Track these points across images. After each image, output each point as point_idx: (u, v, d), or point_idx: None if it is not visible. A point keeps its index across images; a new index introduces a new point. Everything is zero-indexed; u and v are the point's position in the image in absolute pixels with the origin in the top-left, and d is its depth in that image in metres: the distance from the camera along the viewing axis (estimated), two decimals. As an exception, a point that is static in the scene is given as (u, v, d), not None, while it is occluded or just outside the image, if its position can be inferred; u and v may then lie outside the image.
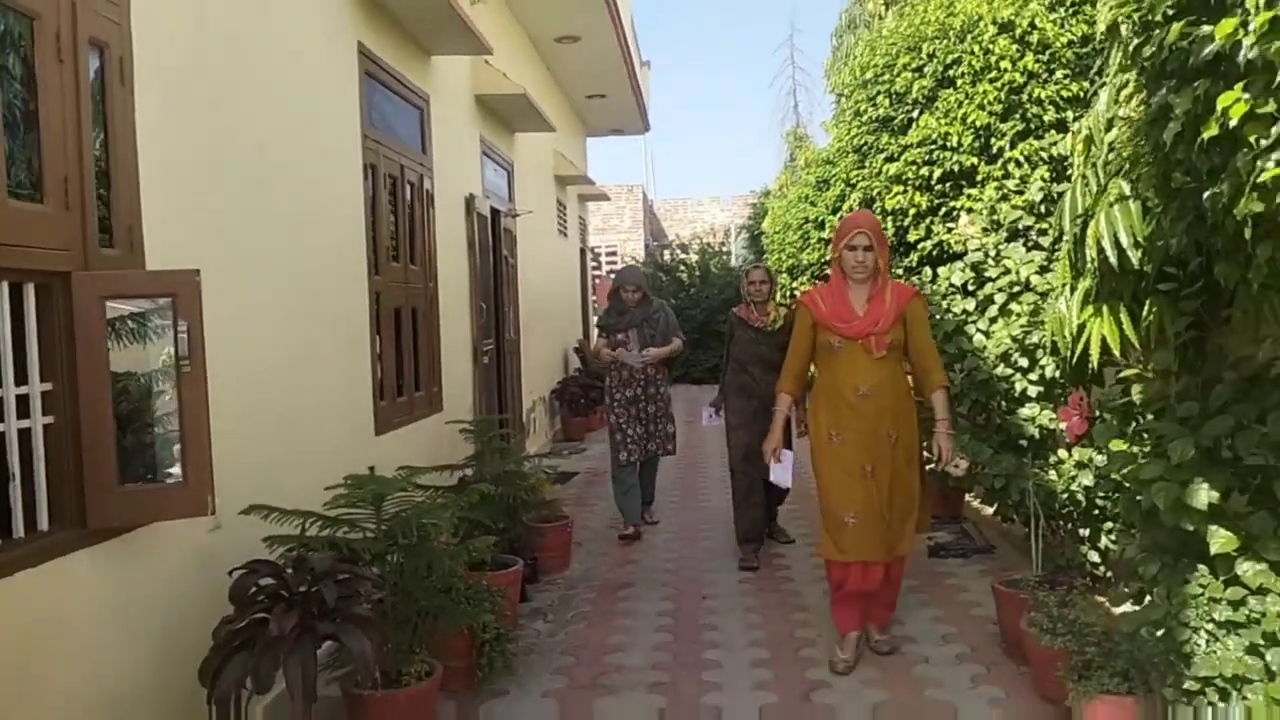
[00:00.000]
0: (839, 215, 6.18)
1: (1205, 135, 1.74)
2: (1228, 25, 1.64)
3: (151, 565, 2.33)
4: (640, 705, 3.19)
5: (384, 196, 4.36)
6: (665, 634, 3.84)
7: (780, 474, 3.76)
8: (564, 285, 10.84)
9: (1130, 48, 2.10)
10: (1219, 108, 1.66)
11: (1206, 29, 1.71)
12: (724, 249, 19.43)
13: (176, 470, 2.20)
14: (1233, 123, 1.66)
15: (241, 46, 2.97)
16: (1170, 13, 1.85)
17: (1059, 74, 4.22)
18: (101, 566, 2.15)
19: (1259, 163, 1.62)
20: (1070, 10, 4.28)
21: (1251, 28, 1.57)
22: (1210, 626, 2.21)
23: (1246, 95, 1.63)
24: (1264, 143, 1.61)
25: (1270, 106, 1.58)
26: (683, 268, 16.53)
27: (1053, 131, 4.12)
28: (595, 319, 5.26)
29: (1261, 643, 2.11)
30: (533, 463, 4.67)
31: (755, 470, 4.65)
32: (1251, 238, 1.80)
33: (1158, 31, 1.89)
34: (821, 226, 6.28)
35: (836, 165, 6.02)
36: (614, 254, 19.46)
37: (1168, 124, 1.87)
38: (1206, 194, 1.84)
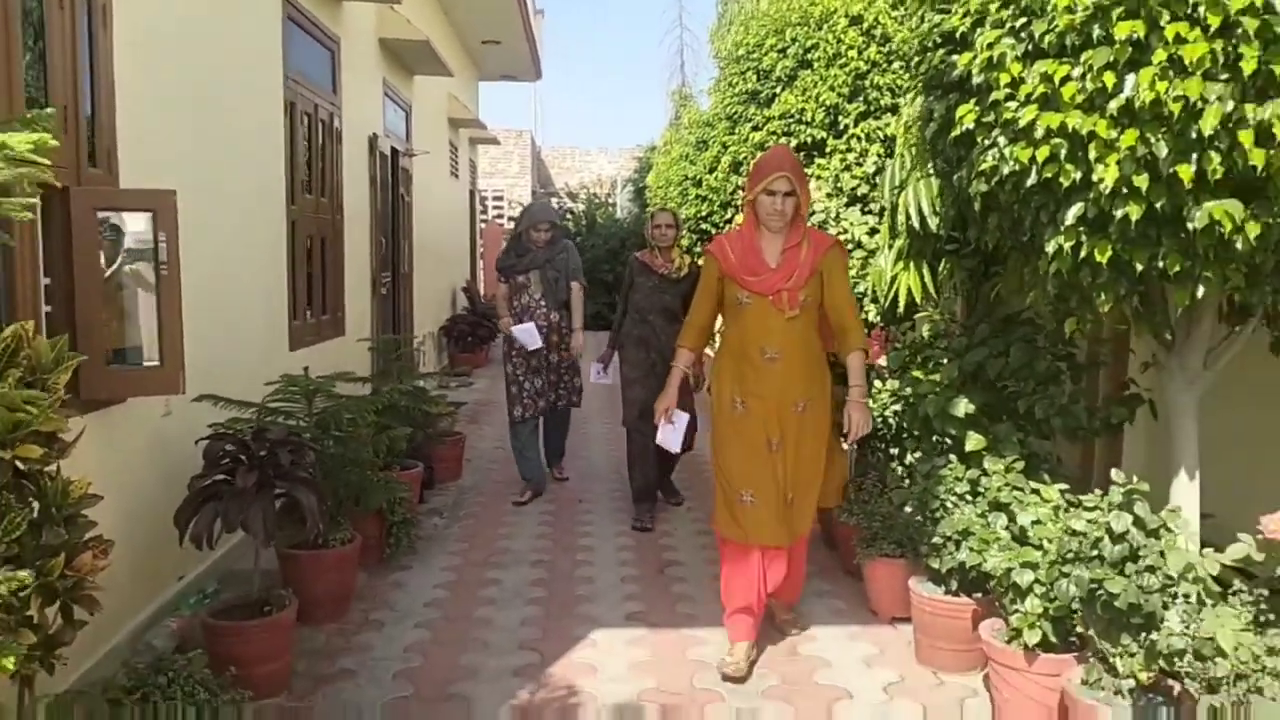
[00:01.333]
0: (714, 175, 6.82)
1: (952, 135, 2.45)
2: (965, 57, 2.33)
3: (120, 438, 2.81)
4: (525, 575, 3.84)
5: (300, 132, 4.77)
6: (547, 527, 4.49)
7: (669, 436, 3.36)
8: (455, 226, 11.24)
9: (912, 64, 2.81)
10: (959, 115, 2.36)
11: (953, 58, 2.41)
12: (610, 200, 19.97)
13: (152, 356, 2.68)
14: (969, 126, 2.36)
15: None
16: (935, 42, 2.55)
17: (896, 65, 4.95)
18: (88, 432, 2.62)
19: (984, 155, 2.33)
20: (909, 10, 5.00)
21: (977, 61, 2.26)
22: (953, 499, 2.99)
23: (976, 107, 2.33)
24: (986, 141, 2.31)
25: (990, 117, 2.29)
26: (569, 216, 17.00)
27: (888, 114, 4.86)
28: (494, 260, 5.15)
29: (987, 508, 2.90)
30: (428, 382, 5.22)
31: (650, 429, 4.22)
32: (981, 210, 2.54)
33: (927, 55, 2.60)
34: (699, 184, 6.93)
35: (714, 128, 6.66)
36: (500, 198, 19.73)
37: (930, 124, 2.59)
38: (955, 176, 2.57)
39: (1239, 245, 1.98)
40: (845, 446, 3.22)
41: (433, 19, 8.64)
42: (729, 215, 6.52)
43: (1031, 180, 2.18)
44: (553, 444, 5.44)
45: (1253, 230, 1.96)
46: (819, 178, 4.87)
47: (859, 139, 4.68)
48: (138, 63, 2.93)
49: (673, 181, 8.12)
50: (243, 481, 2.59)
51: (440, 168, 9.73)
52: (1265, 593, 2.22)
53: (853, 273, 4.64)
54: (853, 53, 4.64)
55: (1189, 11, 1.92)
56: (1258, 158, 1.87)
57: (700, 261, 3.82)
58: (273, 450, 2.72)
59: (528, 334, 4.86)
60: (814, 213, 5.02)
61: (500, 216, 18.38)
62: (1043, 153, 2.10)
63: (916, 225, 3.60)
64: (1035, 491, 2.93)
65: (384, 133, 6.71)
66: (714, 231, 7.53)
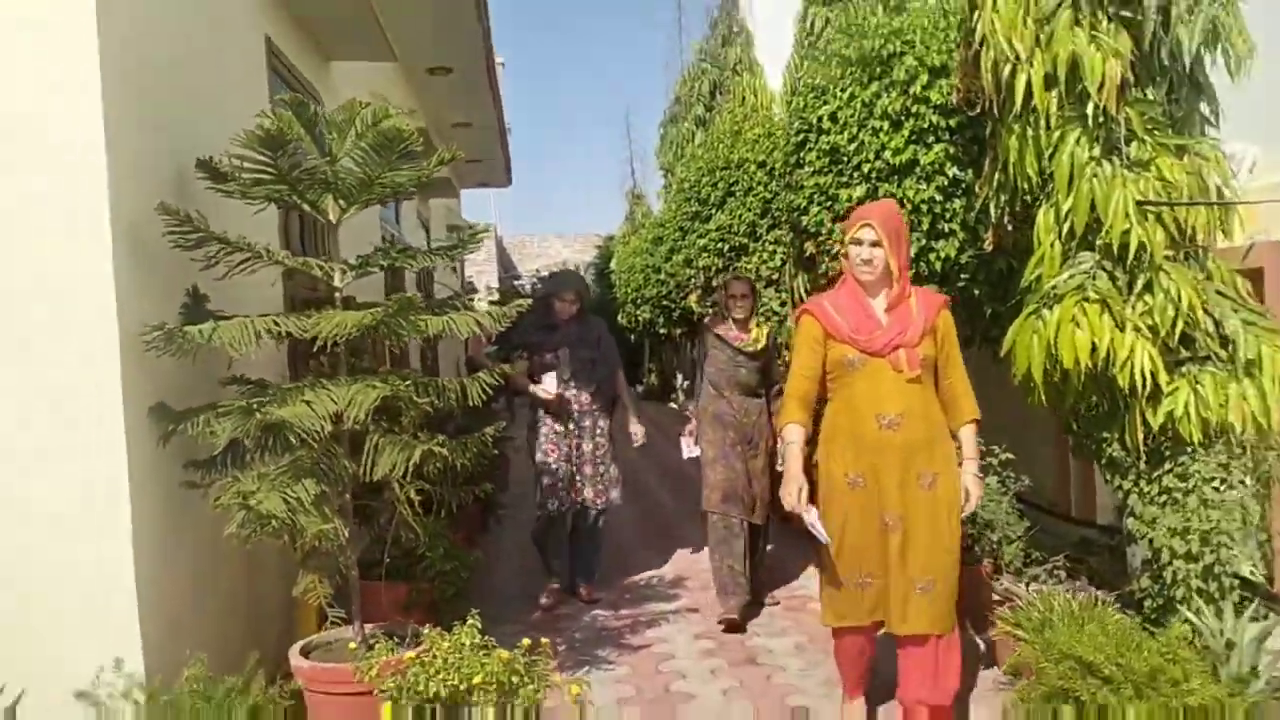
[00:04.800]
0: (670, 263, 9.02)
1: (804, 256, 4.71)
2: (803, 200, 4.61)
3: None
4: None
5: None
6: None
7: (820, 524, 2.96)
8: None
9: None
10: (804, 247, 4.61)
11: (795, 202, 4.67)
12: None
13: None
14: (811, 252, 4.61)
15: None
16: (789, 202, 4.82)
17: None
18: None
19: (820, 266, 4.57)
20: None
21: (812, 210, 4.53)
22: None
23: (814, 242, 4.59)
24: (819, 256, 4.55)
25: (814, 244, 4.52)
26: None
27: (787, 225, 7.15)
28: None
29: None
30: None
31: (737, 511, 4.35)
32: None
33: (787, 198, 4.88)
34: (659, 271, 9.18)
35: (667, 228, 8.95)
36: (470, 283, 21.89)
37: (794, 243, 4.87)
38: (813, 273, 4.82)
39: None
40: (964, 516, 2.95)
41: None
42: (685, 294, 8.67)
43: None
44: (583, 557, 4.85)
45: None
46: (745, 267, 7.08)
47: (770, 243, 6.90)
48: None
49: (635, 268, 10.39)
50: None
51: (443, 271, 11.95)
52: None
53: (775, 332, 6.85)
54: (760, 186, 6.90)
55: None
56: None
57: (772, 330, 4.32)
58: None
59: (548, 381, 4.60)
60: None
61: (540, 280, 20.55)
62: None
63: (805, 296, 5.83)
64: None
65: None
66: (670, 308, 9.76)
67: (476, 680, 2.38)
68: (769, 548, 4.84)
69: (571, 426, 4.66)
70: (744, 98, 9.71)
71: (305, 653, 3.09)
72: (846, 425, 2.96)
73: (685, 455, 4.72)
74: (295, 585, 3.15)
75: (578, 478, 4.67)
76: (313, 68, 5.15)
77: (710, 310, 6.74)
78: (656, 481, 8.07)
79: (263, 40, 4.20)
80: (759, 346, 4.53)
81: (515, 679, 2.43)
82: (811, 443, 3.10)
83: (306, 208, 3.02)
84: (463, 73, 8.56)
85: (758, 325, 4.60)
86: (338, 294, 3.07)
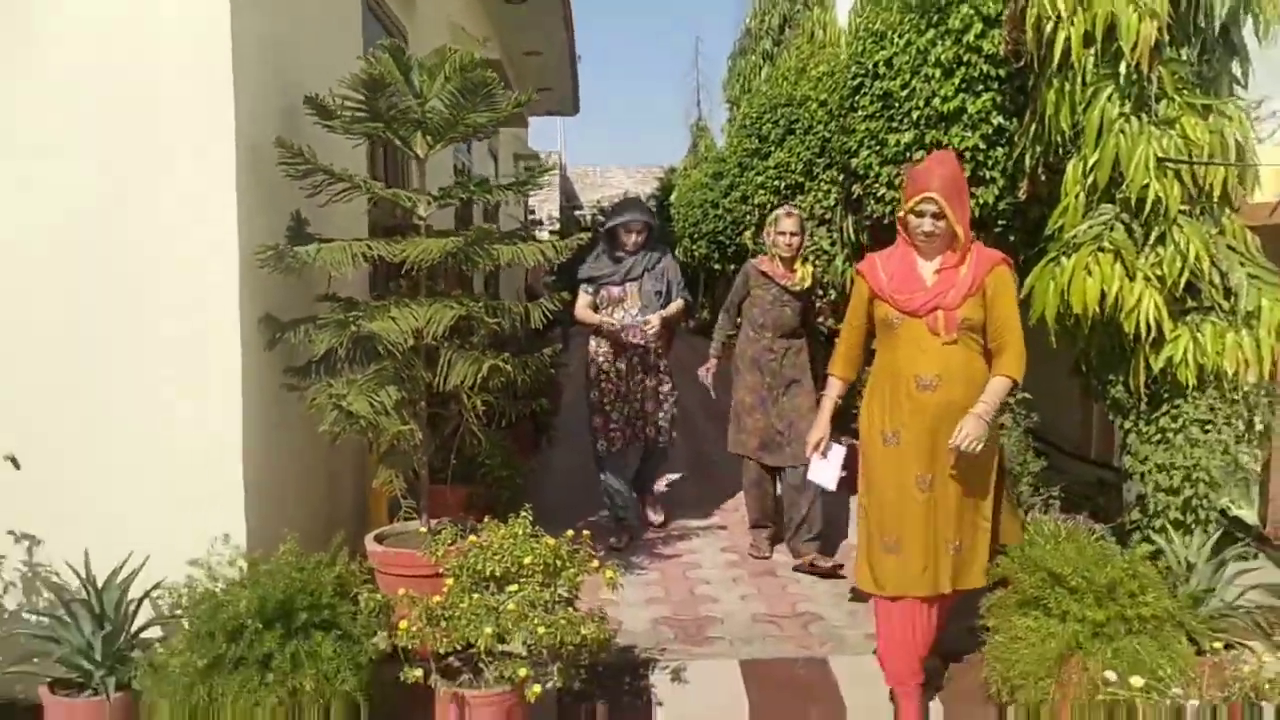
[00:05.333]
0: (728, 199, 9.23)
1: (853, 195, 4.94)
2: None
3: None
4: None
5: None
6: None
7: (823, 472, 3.28)
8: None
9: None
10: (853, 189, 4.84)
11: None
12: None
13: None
14: (859, 193, 4.84)
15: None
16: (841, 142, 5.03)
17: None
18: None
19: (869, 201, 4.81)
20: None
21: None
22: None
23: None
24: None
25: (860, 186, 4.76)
26: (601, 227, 19.50)
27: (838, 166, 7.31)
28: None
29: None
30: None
31: (770, 459, 4.40)
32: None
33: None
34: (716, 206, 9.41)
35: (727, 163, 9.15)
36: (533, 213, 22.28)
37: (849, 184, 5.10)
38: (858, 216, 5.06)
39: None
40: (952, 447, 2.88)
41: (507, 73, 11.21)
42: (740, 230, 8.94)
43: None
44: (645, 474, 4.90)
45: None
46: (801, 205, 7.32)
47: (825, 182, 7.11)
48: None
49: (694, 203, 10.61)
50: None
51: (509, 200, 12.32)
52: None
53: (822, 272, 7.11)
54: (819, 125, 7.07)
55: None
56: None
57: (823, 272, 4.23)
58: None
59: (617, 314, 4.52)
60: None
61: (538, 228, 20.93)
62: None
63: (851, 237, 6.07)
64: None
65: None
66: (725, 244, 10.00)
67: (526, 561, 2.80)
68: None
69: (636, 361, 4.55)
70: (812, 33, 9.77)
71: (379, 540, 3.55)
72: (886, 383, 3.00)
73: (701, 378, 4.67)
74: (373, 479, 3.60)
75: (640, 415, 4.59)
76: (401, 3, 5.48)
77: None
78: (697, 413, 8.33)
79: (358, -21, 4.54)
80: (805, 286, 4.45)
81: (559, 562, 2.85)
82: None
83: (398, 143, 3.39)
84: (538, 1, 8.81)
85: (802, 264, 4.52)
86: (422, 222, 3.45)
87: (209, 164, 3.03)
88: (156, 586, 2.85)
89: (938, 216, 2.92)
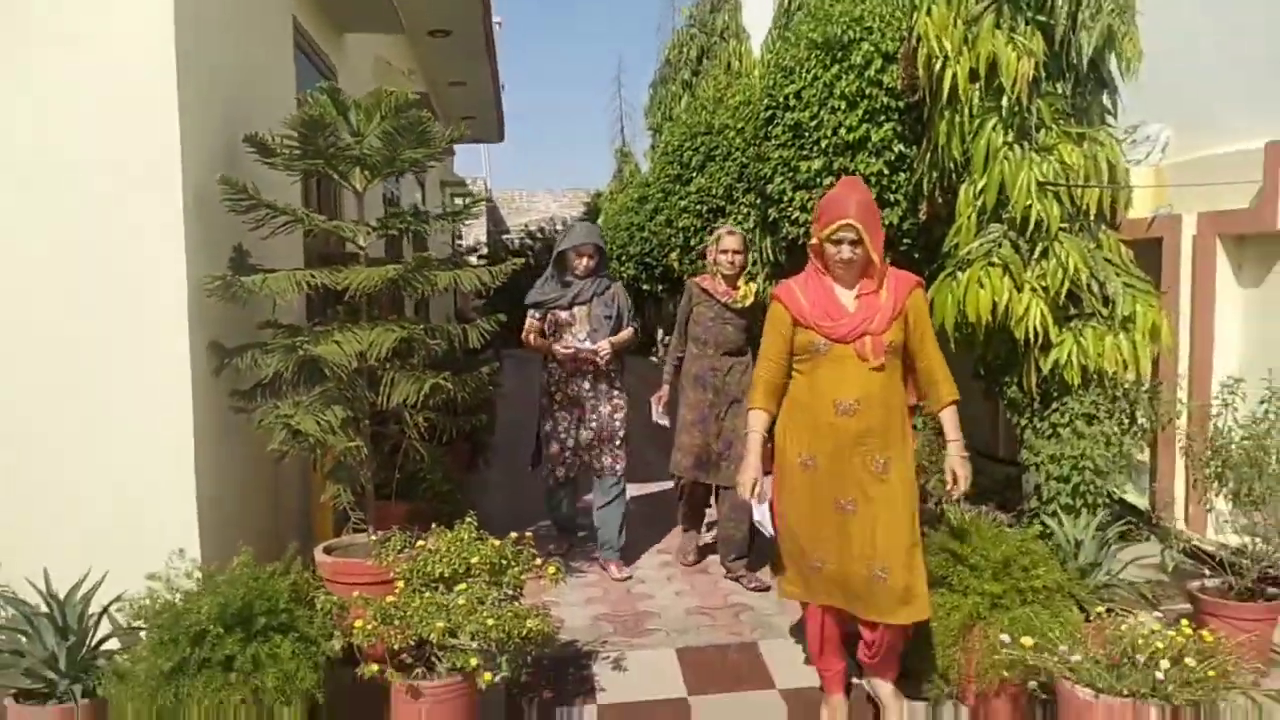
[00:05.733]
0: (654, 222, 9.55)
1: (769, 220, 5.27)
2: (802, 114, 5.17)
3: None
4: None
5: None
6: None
7: (766, 516, 3.22)
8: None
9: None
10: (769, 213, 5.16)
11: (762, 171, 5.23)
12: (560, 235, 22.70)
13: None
14: (775, 217, 5.17)
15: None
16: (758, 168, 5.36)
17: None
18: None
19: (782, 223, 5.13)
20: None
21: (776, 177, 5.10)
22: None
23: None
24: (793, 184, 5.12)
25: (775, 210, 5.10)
26: (529, 252, 19.72)
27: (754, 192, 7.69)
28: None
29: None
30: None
31: (704, 477, 4.40)
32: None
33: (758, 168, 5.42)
34: (642, 229, 9.72)
35: (651, 188, 9.46)
36: (460, 239, 22.33)
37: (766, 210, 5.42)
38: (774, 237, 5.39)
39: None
40: (954, 500, 2.97)
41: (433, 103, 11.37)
42: (666, 252, 9.24)
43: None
44: (607, 527, 4.60)
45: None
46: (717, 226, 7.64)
47: (745, 205, 7.47)
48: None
49: (620, 225, 10.92)
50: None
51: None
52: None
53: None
54: (737, 152, 7.44)
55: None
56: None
57: (761, 289, 4.17)
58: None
59: (567, 339, 4.44)
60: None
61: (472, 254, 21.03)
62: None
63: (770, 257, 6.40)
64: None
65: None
66: (653, 265, 10.32)
67: (474, 561, 2.99)
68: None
69: (587, 388, 4.48)
70: (729, 64, 10.21)
71: (327, 552, 3.69)
72: (805, 407, 2.97)
73: (654, 419, 4.71)
74: (319, 495, 3.73)
75: (593, 443, 4.49)
76: (329, 40, 5.65)
77: (692, 267, 7.22)
78: (636, 435, 8.45)
79: (290, 21, 4.71)
80: (746, 303, 4.44)
81: (504, 561, 3.05)
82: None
83: (336, 178, 3.57)
84: (461, 35, 9.01)
85: (745, 282, 4.51)
86: (361, 251, 3.63)
87: (158, 198, 3.18)
88: (117, 599, 2.96)
89: (855, 243, 2.89)
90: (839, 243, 2.90)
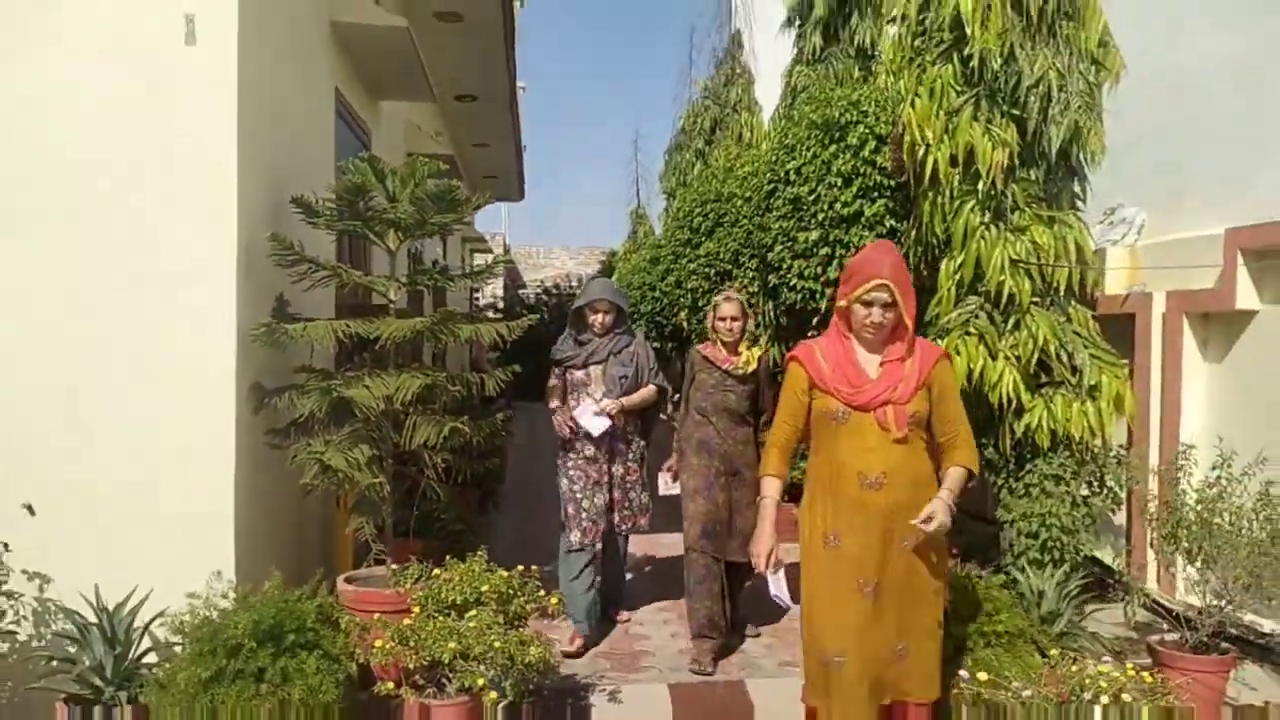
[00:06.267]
0: (665, 283, 9.94)
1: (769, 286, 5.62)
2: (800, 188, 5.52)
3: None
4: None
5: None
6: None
7: (783, 588, 2.95)
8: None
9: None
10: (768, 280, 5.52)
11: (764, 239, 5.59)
12: (578, 292, 23.16)
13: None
14: (774, 283, 5.52)
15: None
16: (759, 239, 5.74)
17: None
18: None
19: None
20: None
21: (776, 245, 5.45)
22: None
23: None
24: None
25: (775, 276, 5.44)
26: (544, 308, 20.16)
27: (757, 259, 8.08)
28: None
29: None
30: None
31: (715, 549, 4.17)
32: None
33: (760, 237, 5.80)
34: (654, 289, 10.07)
35: (663, 250, 9.85)
36: (477, 293, 22.82)
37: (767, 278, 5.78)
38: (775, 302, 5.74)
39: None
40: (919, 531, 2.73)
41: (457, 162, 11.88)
42: (675, 312, 9.59)
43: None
44: (610, 582, 4.59)
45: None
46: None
47: (750, 270, 7.85)
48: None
49: (633, 284, 11.28)
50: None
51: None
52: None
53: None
54: (744, 219, 7.86)
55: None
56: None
57: (765, 352, 4.13)
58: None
59: (588, 416, 4.28)
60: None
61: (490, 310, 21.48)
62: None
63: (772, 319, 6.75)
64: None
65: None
66: (663, 324, 10.68)
67: (484, 589, 3.29)
68: (748, 583, 4.43)
69: (603, 450, 4.33)
70: (740, 135, 10.69)
71: (349, 582, 3.98)
72: (827, 481, 2.82)
73: (662, 491, 4.53)
74: (343, 528, 4.03)
75: (608, 504, 4.34)
76: (366, 107, 6.11)
77: (700, 327, 7.55)
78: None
79: (333, 91, 5.15)
80: (749, 370, 4.28)
81: (511, 591, 3.35)
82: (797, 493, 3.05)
83: (373, 238, 3.95)
84: (486, 99, 9.54)
85: (748, 348, 4.34)
86: (391, 304, 3.99)
87: (214, 252, 3.56)
88: (160, 615, 3.26)
89: (888, 306, 2.77)
90: (870, 304, 2.78)
